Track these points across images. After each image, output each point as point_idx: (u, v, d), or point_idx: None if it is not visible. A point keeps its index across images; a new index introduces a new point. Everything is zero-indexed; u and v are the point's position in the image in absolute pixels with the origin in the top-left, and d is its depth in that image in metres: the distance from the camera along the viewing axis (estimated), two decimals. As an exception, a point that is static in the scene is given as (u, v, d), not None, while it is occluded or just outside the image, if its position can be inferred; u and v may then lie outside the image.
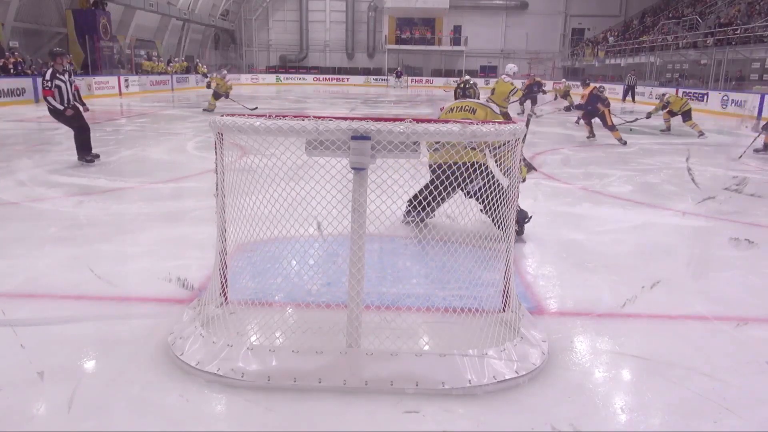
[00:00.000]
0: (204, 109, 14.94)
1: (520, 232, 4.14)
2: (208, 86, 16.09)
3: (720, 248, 4.30)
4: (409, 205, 3.74)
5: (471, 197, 3.27)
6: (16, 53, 17.35)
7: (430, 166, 3.56)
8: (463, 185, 3.23)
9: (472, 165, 3.26)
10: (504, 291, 2.76)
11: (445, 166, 3.05)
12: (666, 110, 12.01)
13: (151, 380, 2.28)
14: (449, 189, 3.03)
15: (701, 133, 11.20)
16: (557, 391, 2.27)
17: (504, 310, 2.73)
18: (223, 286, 2.77)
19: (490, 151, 3.54)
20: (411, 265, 3.48)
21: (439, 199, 3.16)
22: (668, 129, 12.13)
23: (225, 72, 16.06)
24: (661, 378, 2.39)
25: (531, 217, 4.23)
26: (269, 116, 2.19)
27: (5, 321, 2.74)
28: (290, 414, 2.09)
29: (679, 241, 4.49)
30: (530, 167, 4.59)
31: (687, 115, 11.58)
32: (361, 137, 2.13)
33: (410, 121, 2.14)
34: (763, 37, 18.93)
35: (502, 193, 2.73)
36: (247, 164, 2.46)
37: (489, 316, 2.55)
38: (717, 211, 5.26)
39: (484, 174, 3.04)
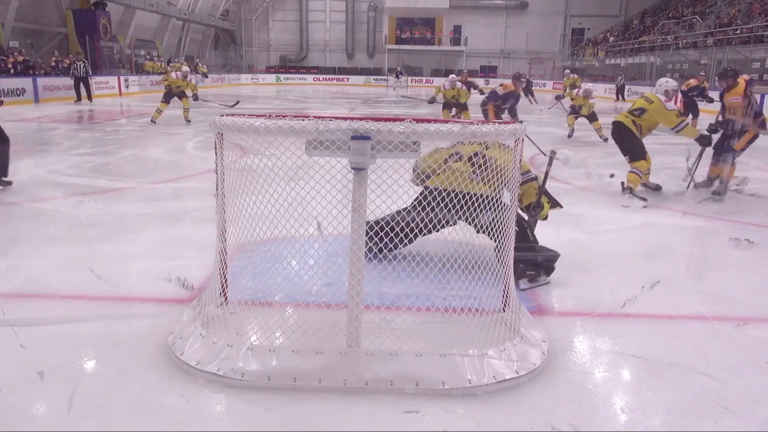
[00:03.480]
0: (151, 121, 11.78)
1: (547, 273, 3.45)
2: (168, 90, 12.05)
3: (720, 248, 4.30)
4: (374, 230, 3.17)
5: (479, 231, 3.17)
6: (15, 53, 17.34)
7: (427, 190, 3.10)
8: (467, 216, 2.98)
9: (479, 197, 2.80)
10: (504, 291, 2.76)
11: (444, 194, 2.66)
12: (571, 113, 10.72)
13: (151, 380, 2.28)
14: (444, 220, 2.86)
15: (605, 138, 10.00)
16: (557, 391, 2.27)
17: (504, 310, 2.73)
18: (223, 286, 2.77)
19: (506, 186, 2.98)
20: (411, 265, 3.47)
21: (422, 225, 2.98)
22: (570, 135, 10.73)
23: (187, 69, 12.76)
24: (661, 378, 2.38)
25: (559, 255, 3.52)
26: (269, 116, 2.19)
27: (5, 321, 2.74)
28: (290, 414, 2.09)
29: (679, 241, 4.49)
30: (555, 203, 3.91)
31: (593, 116, 10.46)
32: (361, 137, 2.13)
33: (410, 121, 2.14)
34: (763, 37, 18.93)
35: (510, 229, 2.67)
36: (247, 164, 2.46)
37: (489, 316, 2.55)
38: (717, 211, 5.26)
39: (494, 207, 2.76)
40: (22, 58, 17.24)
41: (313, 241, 2.90)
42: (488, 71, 37.10)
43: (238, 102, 13.26)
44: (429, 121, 2.21)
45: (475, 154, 3.37)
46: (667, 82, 6.04)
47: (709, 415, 2.14)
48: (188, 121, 11.90)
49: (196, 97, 12.25)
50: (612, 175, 5.81)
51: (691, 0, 28.53)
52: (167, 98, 11.97)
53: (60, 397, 2.14)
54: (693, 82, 12.83)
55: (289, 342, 2.45)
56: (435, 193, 2.70)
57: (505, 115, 10.17)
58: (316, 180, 2.41)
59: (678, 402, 2.22)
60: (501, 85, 10.44)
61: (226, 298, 2.79)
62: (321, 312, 2.73)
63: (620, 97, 23.36)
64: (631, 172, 5.82)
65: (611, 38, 32.57)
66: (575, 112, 10.65)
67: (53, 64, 18.47)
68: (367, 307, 2.53)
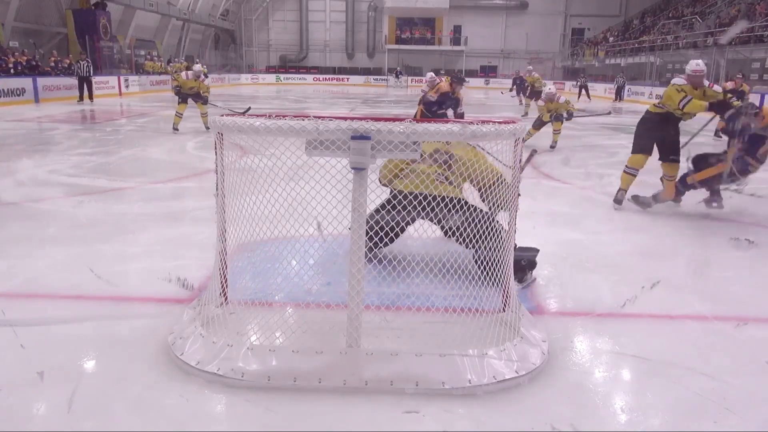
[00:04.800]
0: (174, 128, 10.61)
1: (531, 269, 3.36)
2: (177, 91, 10.82)
3: (720, 248, 4.30)
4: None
5: (449, 237, 3.19)
6: (16, 53, 17.32)
7: (394, 193, 3.17)
8: (437, 221, 3.04)
9: (447, 200, 2.87)
10: (504, 291, 2.76)
11: (411, 197, 2.68)
12: (535, 124, 9.47)
13: (151, 380, 2.28)
14: (409, 219, 2.86)
15: (553, 145, 9.31)
16: (557, 391, 2.27)
17: (504, 310, 2.73)
18: (223, 286, 2.77)
19: (477, 186, 3.11)
20: (411, 265, 3.48)
21: (398, 229, 3.06)
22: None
23: (199, 68, 11.13)
24: (661, 378, 2.38)
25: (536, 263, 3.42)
26: (269, 116, 2.20)
27: (5, 321, 2.74)
28: (290, 414, 2.09)
29: (679, 241, 4.49)
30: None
31: (560, 118, 9.37)
32: (361, 137, 2.13)
33: (410, 121, 2.14)
34: (763, 37, 18.93)
35: (491, 232, 2.65)
36: (247, 164, 2.46)
37: (489, 316, 2.55)
38: (717, 211, 5.26)
39: (463, 210, 2.84)
40: (25, 58, 17.24)
41: (313, 241, 2.90)
42: (488, 71, 37.13)
43: (249, 108, 11.55)
44: (429, 121, 2.22)
45: (436, 151, 3.37)
46: (695, 63, 5.10)
47: (709, 415, 2.14)
48: (208, 128, 10.17)
49: (205, 101, 10.87)
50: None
51: (691, 0, 28.53)
52: (184, 99, 10.67)
53: (60, 397, 2.14)
54: (729, 85, 11.29)
55: (289, 342, 2.45)
56: (400, 196, 2.73)
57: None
58: (316, 180, 2.41)
59: (678, 402, 2.22)
60: (433, 88, 8.77)
61: (226, 298, 2.79)
62: (321, 312, 2.73)
63: (619, 98, 23.39)
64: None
65: (611, 38, 32.57)
66: (558, 118, 9.34)
67: (53, 64, 18.47)
68: (367, 307, 2.53)
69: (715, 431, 2.06)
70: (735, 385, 2.34)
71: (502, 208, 2.80)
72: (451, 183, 3.26)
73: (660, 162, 5.24)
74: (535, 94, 15.03)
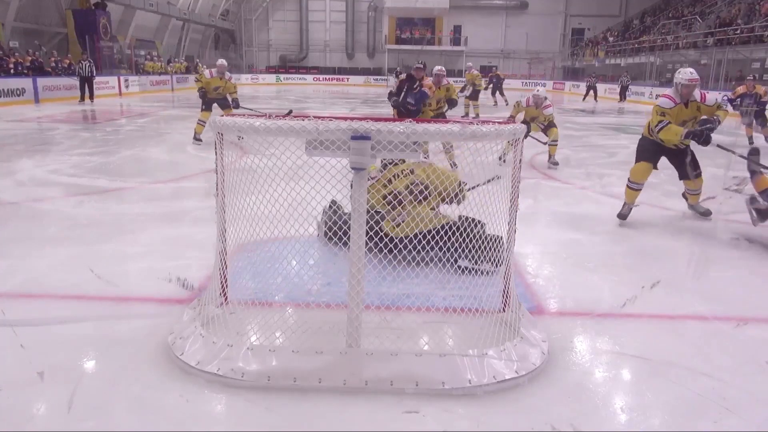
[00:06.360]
0: (195, 138, 8.97)
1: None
2: (203, 94, 8.97)
3: (720, 248, 4.30)
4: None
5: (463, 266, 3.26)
6: (17, 54, 17.31)
7: (396, 240, 3.14)
8: (451, 259, 3.17)
9: (450, 224, 3.04)
10: (504, 291, 2.76)
11: (415, 239, 2.84)
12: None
13: (151, 380, 2.28)
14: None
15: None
16: (557, 391, 2.27)
17: (504, 310, 2.73)
18: (223, 286, 2.77)
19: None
20: (411, 265, 3.48)
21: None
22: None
23: (223, 63, 9.11)
24: (661, 378, 2.39)
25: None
26: (269, 116, 2.20)
27: (5, 321, 2.75)
28: (290, 414, 2.09)
29: (679, 241, 4.49)
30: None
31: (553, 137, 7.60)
32: (361, 137, 2.13)
33: (410, 121, 2.14)
34: (763, 37, 18.94)
35: (486, 240, 2.71)
36: (247, 164, 2.46)
37: (489, 316, 2.55)
38: (717, 211, 5.25)
39: (464, 231, 2.90)
40: (30, 58, 17.22)
41: (313, 241, 2.90)
42: (488, 71, 37.09)
43: (291, 111, 9.67)
44: (429, 121, 2.22)
45: (407, 188, 3.47)
46: (690, 72, 4.63)
47: (709, 415, 2.14)
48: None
49: (237, 104, 9.15)
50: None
51: (691, 0, 28.53)
52: (208, 105, 8.91)
53: (60, 397, 2.14)
54: (741, 89, 10.52)
55: (289, 342, 2.45)
56: (406, 240, 2.86)
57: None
58: (316, 180, 2.42)
59: (678, 402, 2.23)
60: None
61: (226, 298, 2.79)
62: (321, 312, 2.73)
63: (623, 97, 23.35)
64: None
65: (611, 38, 32.57)
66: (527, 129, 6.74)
67: (53, 64, 18.47)
68: (367, 307, 2.53)
69: (715, 431, 2.06)
70: (735, 385, 2.34)
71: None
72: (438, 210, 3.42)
73: (682, 181, 4.92)
74: (476, 93, 14.33)
